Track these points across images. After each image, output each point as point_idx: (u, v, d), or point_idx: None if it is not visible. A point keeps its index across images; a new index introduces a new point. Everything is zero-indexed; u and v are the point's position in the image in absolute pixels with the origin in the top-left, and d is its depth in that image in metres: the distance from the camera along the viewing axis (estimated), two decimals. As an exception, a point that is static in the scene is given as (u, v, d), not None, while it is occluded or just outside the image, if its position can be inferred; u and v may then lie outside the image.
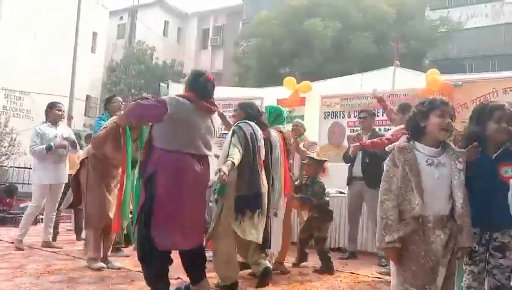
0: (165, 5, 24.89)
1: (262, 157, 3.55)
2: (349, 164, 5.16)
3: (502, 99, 5.41)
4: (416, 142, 2.18)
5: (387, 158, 2.22)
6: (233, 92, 8.68)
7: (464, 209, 2.07)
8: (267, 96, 7.03)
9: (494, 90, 5.43)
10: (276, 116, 4.16)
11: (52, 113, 5.07)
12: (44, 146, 4.87)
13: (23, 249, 4.78)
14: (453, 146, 2.20)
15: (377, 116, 5.84)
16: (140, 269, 3.13)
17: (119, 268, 3.98)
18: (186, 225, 3.00)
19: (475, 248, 2.33)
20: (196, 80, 3.19)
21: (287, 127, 4.40)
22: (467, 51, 17.70)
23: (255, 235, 3.36)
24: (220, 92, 8.38)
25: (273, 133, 3.90)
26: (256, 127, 3.57)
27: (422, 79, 5.99)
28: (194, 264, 3.13)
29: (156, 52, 21.75)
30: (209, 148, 3.18)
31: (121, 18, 25.09)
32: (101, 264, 3.96)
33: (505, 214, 2.24)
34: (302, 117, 6.47)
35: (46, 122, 5.15)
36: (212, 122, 3.21)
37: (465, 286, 2.40)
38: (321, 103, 6.80)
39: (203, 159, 3.15)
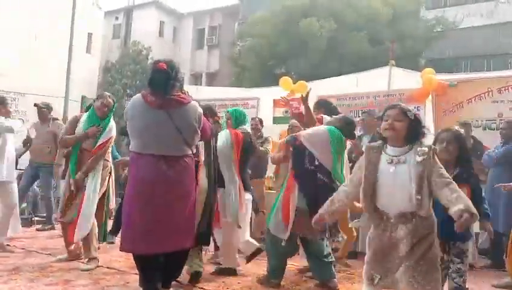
0: (161, 5, 24.81)
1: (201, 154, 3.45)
2: (351, 164, 5.14)
3: (497, 99, 5.45)
4: (386, 145, 2.36)
5: None
6: (229, 92, 8.67)
7: (419, 200, 2.16)
8: (263, 96, 7.04)
9: (489, 89, 5.44)
10: (237, 117, 4.14)
11: (4, 109, 4.82)
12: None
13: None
14: (422, 145, 2.29)
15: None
16: (135, 271, 3.13)
17: (86, 270, 3.91)
18: (152, 229, 2.78)
19: (441, 255, 2.49)
20: (150, 72, 2.95)
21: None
22: (462, 51, 17.73)
23: None
24: (216, 93, 8.41)
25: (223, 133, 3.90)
26: None
27: (418, 78, 6.00)
28: (167, 269, 2.95)
29: (152, 53, 21.65)
30: (173, 148, 2.88)
31: (116, 18, 24.99)
32: (59, 256, 4.28)
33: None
34: (298, 117, 6.46)
35: None
36: (173, 121, 2.84)
37: None
38: (317, 103, 6.78)
39: (172, 160, 2.86)
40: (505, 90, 5.37)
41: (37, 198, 7.54)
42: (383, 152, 2.33)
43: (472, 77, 6.32)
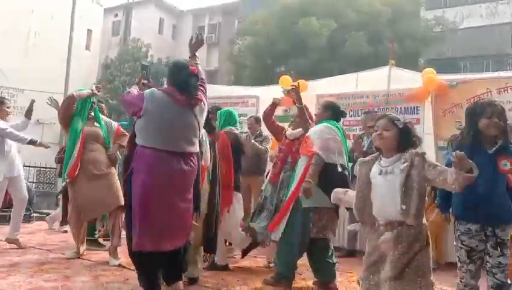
0: (160, 2, 24.77)
1: (207, 161, 3.56)
2: (352, 163, 5.14)
3: (496, 100, 5.45)
4: (381, 156, 2.33)
5: None
6: (229, 90, 8.66)
7: (404, 210, 2.12)
8: (262, 95, 7.03)
9: (488, 90, 5.44)
10: (225, 119, 4.27)
11: (2, 109, 4.82)
12: (26, 136, 4.66)
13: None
14: (411, 151, 2.22)
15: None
16: (134, 267, 3.13)
17: (116, 265, 4.01)
18: (166, 226, 2.86)
19: (476, 246, 2.40)
20: (177, 73, 3.06)
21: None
22: (462, 51, 17.77)
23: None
24: (215, 91, 8.39)
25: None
26: (204, 131, 3.50)
27: (417, 79, 6.00)
28: (174, 263, 3.02)
29: (151, 50, 21.63)
30: (191, 144, 3.03)
31: (116, 15, 24.93)
32: (70, 254, 4.32)
33: (505, 207, 2.37)
34: (297, 116, 6.46)
35: None
36: (196, 117, 3.04)
37: (462, 284, 2.46)
38: (317, 102, 6.79)
39: (187, 157, 2.99)
40: (504, 91, 5.37)
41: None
42: (376, 164, 2.31)
43: (471, 77, 6.30)
